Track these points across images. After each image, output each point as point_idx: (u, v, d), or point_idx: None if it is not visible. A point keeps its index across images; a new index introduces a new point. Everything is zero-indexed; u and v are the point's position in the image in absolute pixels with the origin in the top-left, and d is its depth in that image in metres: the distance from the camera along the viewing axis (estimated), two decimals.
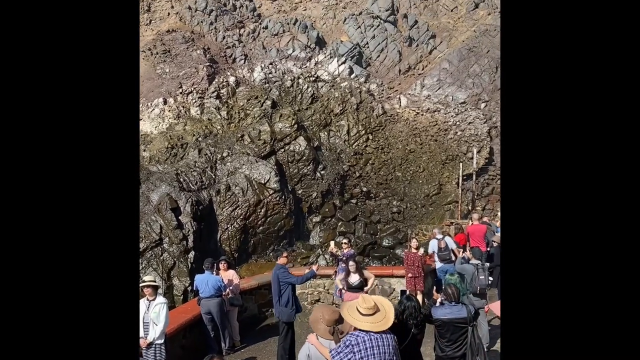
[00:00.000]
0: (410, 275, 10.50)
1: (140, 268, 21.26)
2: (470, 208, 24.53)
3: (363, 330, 3.99)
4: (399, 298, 10.73)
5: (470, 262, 10.07)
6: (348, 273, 8.74)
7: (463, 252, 10.61)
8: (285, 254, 8.05)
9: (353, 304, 4.19)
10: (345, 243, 10.29)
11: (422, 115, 29.41)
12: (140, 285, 7.03)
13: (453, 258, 10.97)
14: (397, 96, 30.43)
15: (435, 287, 6.20)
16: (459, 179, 25.06)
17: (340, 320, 4.31)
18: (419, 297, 10.11)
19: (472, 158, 25.89)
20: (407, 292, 9.79)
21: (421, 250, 10.78)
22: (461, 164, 25.77)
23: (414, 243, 10.97)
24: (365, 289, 8.57)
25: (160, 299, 7.01)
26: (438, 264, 11.39)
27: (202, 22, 32.56)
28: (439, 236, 11.65)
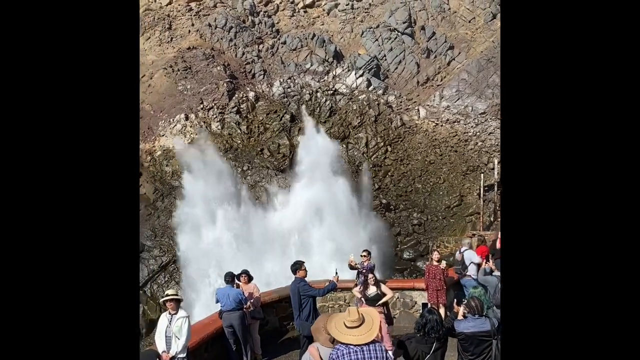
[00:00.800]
0: (431, 288, 10.40)
1: (163, 282, 21.49)
2: (492, 219, 24.22)
3: (344, 344, 4.02)
4: (421, 311, 10.62)
5: (493, 274, 9.92)
6: (366, 285, 8.70)
7: (486, 264, 10.47)
8: (303, 267, 8.01)
9: (341, 317, 4.19)
10: (364, 256, 10.23)
11: (441, 126, 29.28)
12: (163, 299, 7.11)
13: (468, 272, 10.86)
14: (416, 107, 30.38)
15: (455, 300, 6.12)
16: (480, 190, 24.79)
17: None
18: (442, 311, 9.99)
19: (493, 169, 25.62)
20: (429, 305, 9.68)
21: (443, 263, 10.66)
22: (482, 174, 25.50)
23: (435, 255, 10.85)
24: (382, 300, 8.52)
25: (182, 312, 7.06)
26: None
27: (222, 38, 33.10)
28: (463, 248, 11.53)
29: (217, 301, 8.85)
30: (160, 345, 6.93)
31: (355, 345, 3.98)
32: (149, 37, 33.93)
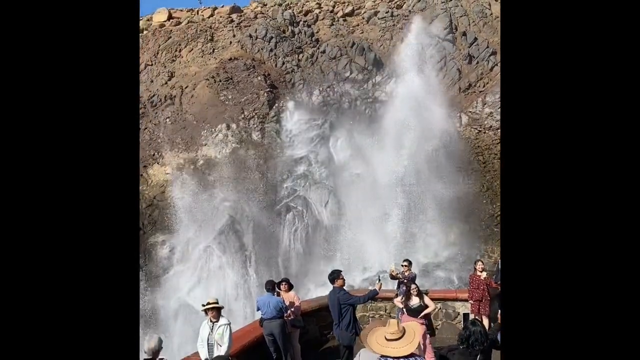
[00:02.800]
0: (474, 298, 10.14)
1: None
2: None
3: (383, 356, 4.01)
4: (462, 322, 10.36)
5: None
6: (409, 296, 8.57)
7: None
8: (341, 276, 7.95)
9: (382, 330, 4.19)
10: (405, 265, 10.07)
11: (484, 133, 28.66)
12: (205, 307, 7.18)
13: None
14: (458, 114, 29.87)
15: (499, 311, 5.93)
16: None
17: None
18: (485, 322, 9.72)
19: None
20: (472, 316, 9.44)
21: (484, 274, 10.37)
22: None
23: (479, 265, 10.58)
24: (425, 312, 8.37)
25: (224, 320, 7.12)
26: None
27: (262, 49, 33.58)
28: None
29: (258, 309, 8.90)
30: (202, 352, 7.01)
31: (393, 358, 3.97)
32: (192, 49, 34.82)
